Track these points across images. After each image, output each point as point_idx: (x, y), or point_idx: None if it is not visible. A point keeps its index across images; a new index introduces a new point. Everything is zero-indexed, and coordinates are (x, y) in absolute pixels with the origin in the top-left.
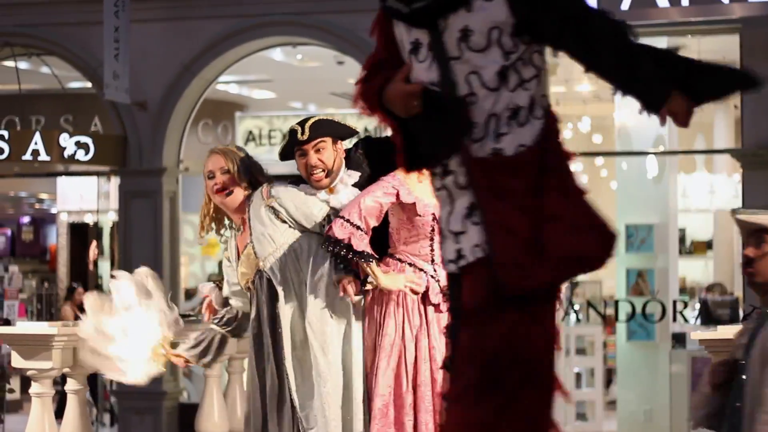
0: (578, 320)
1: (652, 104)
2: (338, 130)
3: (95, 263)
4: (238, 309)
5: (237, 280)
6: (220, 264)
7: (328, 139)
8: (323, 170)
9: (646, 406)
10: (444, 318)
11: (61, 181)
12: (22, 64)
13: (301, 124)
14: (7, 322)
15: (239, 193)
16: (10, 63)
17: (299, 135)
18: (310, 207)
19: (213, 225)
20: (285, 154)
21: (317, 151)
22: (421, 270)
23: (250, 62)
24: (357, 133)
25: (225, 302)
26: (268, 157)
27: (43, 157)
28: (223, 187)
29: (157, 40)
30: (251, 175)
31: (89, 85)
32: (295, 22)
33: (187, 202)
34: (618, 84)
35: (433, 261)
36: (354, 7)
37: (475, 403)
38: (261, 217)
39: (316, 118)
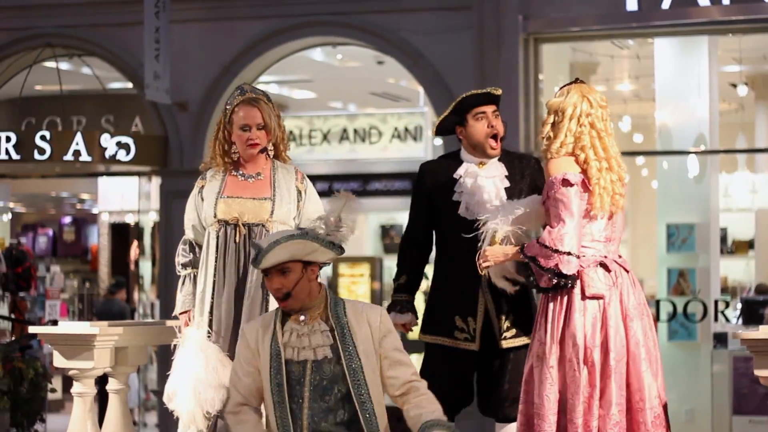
0: None
1: None
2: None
3: (136, 263)
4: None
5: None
6: None
7: None
8: (497, 136)
9: (688, 406)
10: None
11: (103, 181)
12: (64, 65)
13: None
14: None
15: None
16: (51, 64)
17: (493, 90)
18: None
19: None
20: (445, 128)
21: (496, 116)
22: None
23: (290, 62)
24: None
25: None
26: (308, 157)
27: (85, 157)
28: (258, 144)
29: (197, 41)
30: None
31: (130, 85)
32: (335, 23)
33: None
34: None
35: None
36: (394, 7)
37: None
38: (290, 190)
39: None
